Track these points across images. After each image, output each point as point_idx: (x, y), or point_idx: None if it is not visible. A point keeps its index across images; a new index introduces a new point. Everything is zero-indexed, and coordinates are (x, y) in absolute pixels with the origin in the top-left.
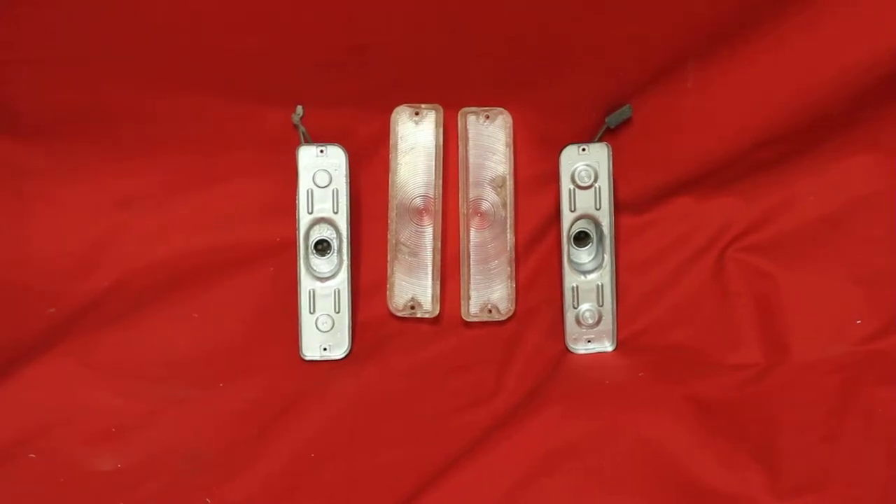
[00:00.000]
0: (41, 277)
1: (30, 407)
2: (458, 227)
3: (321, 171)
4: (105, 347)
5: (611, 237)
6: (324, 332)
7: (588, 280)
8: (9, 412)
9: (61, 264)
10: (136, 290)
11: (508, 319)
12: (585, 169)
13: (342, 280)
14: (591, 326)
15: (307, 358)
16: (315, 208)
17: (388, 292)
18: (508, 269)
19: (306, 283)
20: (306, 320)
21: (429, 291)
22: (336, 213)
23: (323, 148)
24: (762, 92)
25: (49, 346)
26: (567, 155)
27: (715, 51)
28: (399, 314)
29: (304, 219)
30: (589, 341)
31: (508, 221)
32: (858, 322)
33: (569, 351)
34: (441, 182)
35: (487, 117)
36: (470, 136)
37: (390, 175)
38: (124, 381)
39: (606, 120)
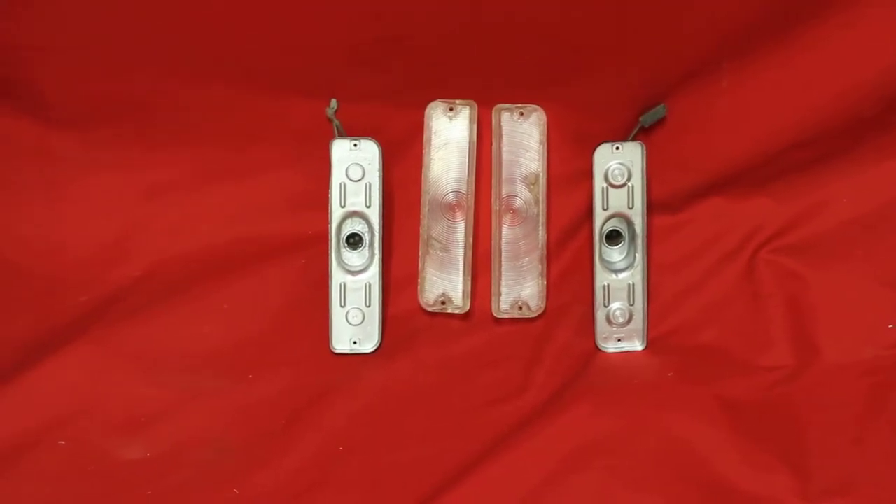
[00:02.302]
0: (72, 266)
1: (59, 394)
2: (489, 223)
3: (354, 165)
4: (135, 337)
5: (643, 236)
6: (354, 326)
7: (619, 279)
8: (39, 399)
9: (92, 253)
10: (166, 279)
11: (538, 317)
12: (619, 167)
13: (373, 274)
14: (622, 325)
15: (337, 351)
16: (348, 202)
17: (418, 287)
18: (539, 266)
19: (337, 277)
20: (337, 313)
21: (459, 287)
22: (368, 206)
23: (357, 142)
24: (797, 93)
25: (79, 335)
26: (601, 153)
27: (750, 51)
28: (429, 309)
29: (336, 212)
30: (619, 340)
31: (540, 218)
32: (890, 326)
33: (598, 349)
34: (474, 178)
35: (522, 114)
36: (504, 132)
37: (423, 170)
38: (154, 370)
39: (641, 119)
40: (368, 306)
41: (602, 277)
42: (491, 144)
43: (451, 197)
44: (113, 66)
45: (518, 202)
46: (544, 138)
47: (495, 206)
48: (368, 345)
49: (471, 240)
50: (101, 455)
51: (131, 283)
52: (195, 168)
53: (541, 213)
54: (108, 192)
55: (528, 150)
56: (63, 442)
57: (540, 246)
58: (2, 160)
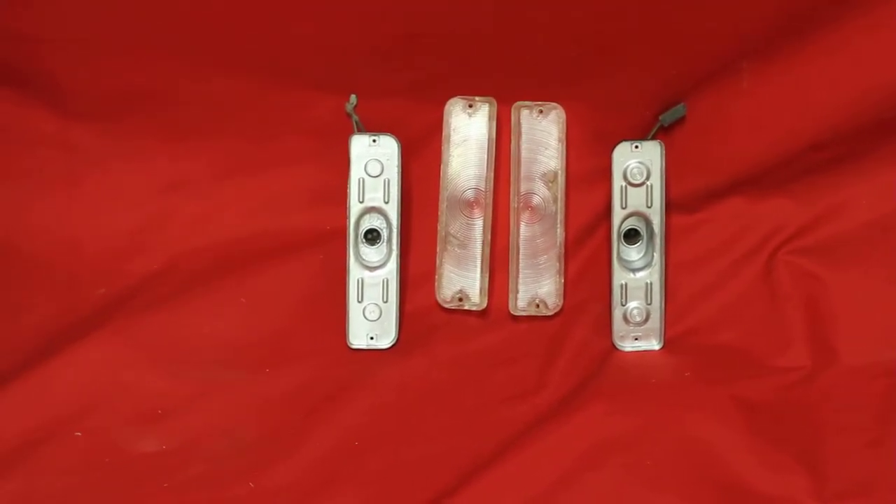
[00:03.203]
0: (91, 258)
1: (77, 386)
2: (508, 220)
3: (373, 161)
4: (153, 329)
5: (661, 235)
6: (371, 322)
7: (637, 278)
8: (56, 390)
9: (111, 245)
10: (185, 273)
11: (556, 315)
12: (638, 166)
13: (391, 270)
14: (639, 324)
15: (354, 346)
16: (366, 197)
17: (436, 283)
18: (557, 264)
19: (355, 272)
20: (354, 309)
21: (477, 284)
22: (387, 202)
23: (376, 137)
24: (817, 94)
25: (97, 327)
26: (620, 152)
27: (771, 52)
28: (447, 306)
29: (354, 208)
30: (636, 339)
31: (559, 216)
32: None
33: (615, 348)
34: (492, 175)
35: (541, 112)
36: (523, 130)
37: (442, 167)
38: (171, 363)
39: (660, 118)
40: (386, 302)
41: (620, 276)
42: (510, 142)
43: (469, 194)
44: (134, 58)
45: (536, 200)
46: (563, 136)
47: (513, 204)
48: (385, 341)
49: (489, 237)
50: (118, 447)
51: (150, 276)
52: (214, 161)
53: (559, 210)
54: (128, 185)
55: (546, 148)
56: (79, 434)
57: (558, 244)
58: (22, 152)
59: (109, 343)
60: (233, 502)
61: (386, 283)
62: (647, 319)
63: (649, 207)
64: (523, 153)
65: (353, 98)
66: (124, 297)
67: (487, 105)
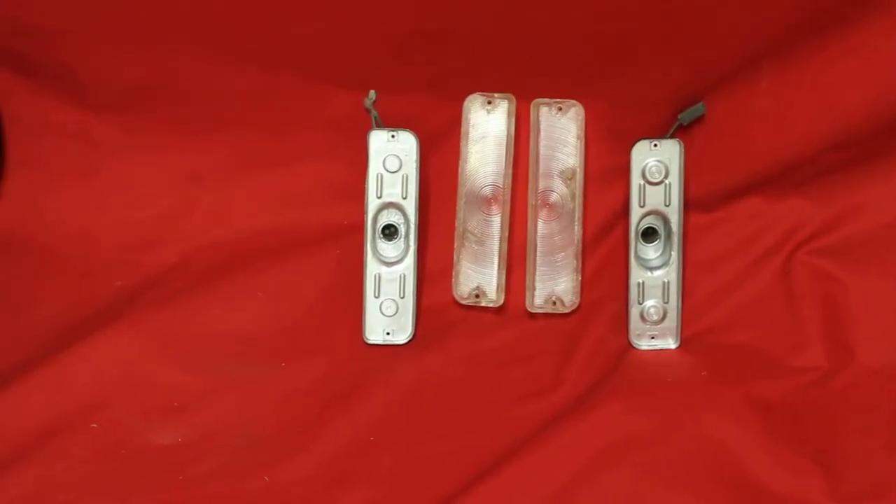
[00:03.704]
0: (107, 250)
1: (93, 378)
2: (525, 217)
3: (391, 156)
4: (169, 322)
5: (679, 234)
6: (388, 317)
7: (654, 276)
8: (72, 382)
9: (129, 237)
10: (202, 266)
11: (572, 312)
12: (656, 165)
13: (408, 265)
14: (656, 323)
15: (370, 342)
16: (384, 193)
17: (453, 280)
18: (574, 261)
19: (372, 267)
20: (371, 304)
21: (494, 281)
22: (405, 198)
23: (394, 133)
24: (837, 95)
25: (114, 319)
26: (638, 150)
27: (791, 52)
28: (463, 302)
29: (372, 203)
30: (652, 338)
31: (576, 214)
32: None
33: (632, 347)
34: (511, 172)
35: (560, 109)
36: (541, 127)
37: (460, 163)
38: (187, 356)
39: (679, 116)
40: (402, 298)
41: (637, 274)
42: (528, 139)
43: (487, 190)
44: (151, 50)
45: (554, 197)
46: (582, 133)
47: (531, 201)
48: (401, 336)
49: (506, 234)
50: (133, 439)
51: (166, 268)
52: (232, 155)
53: (577, 208)
54: (145, 177)
55: (565, 146)
56: (95, 425)
57: (575, 241)
58: (38, 143)
59: (125, 335)
60: (247, 496)
61: (403, 279)
62: (663, 318)
63: (667, 206)
64: (542, 150)
65: (372, 93)
66: (140, 290)
67: (506, 101)
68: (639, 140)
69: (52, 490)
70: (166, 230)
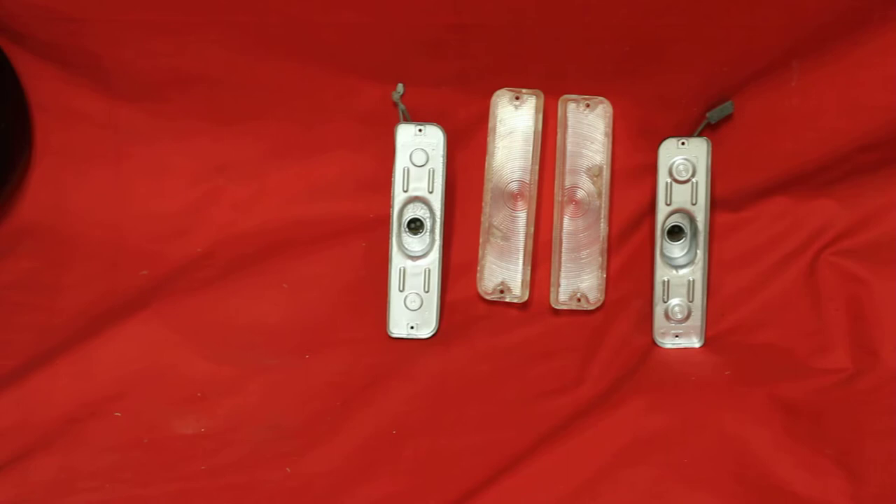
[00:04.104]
0: (136, 239)
1: (118, 366)
2: (551, 213)
3: (418, 150)
4: (195, 312)
5: (705, 233)
6: (412, 311)
7: (679, 275)
8: (98, 370)
9: (157, 227)
10: (228, 256)
11: (597, 309)
12: (684, 163)
13: (433, 260)
14: (680, 321)
15: (394, 335)
16: (410, 187)
17: (478, 275)
18: (600, 258)
19: (397, 261)
20: (395, 298)
21: (519, 276)
22: (431, 192)
23: (422, 127)
24: (866, 96)
25: (140, 308)
26: (666, 148)
27: (821, 52)
28: (488, 297)
29: (398, 196)
30: (676, 336)
31: (603, 211)
32: None
33: (656, 345)
34: (537, 168)
35: (588, 106)
36: (569, 123)
37: (487, 158)
38: (212, 346)
39: (707, 115)
40: (427, 292)
41: (662, 273)
42: (556, 135)
43: (513, 186)
44: (185, 41)
45: (581, 194)
46: (609, 131)
47: (558, 197)
48: (425, 330)
49: (532, 229)
50: (157, 429)
51: (193, 258)
52: (260, 146)
53: (603, 205)
54: (174, 167)
55: (592, 142)
56: (119, 413)
57: (601, 238)
58: (66, 131)
59: (151, 325)
60: (269, 486)
61: (428, 273)
62: (688, 317)
63: (694, 204)
64: (569, 147)
65: (399, 87)
66: (167, 280)
67: (534, 97)
68: (666, 138)
69: (74, 478)
70: (193, 220)
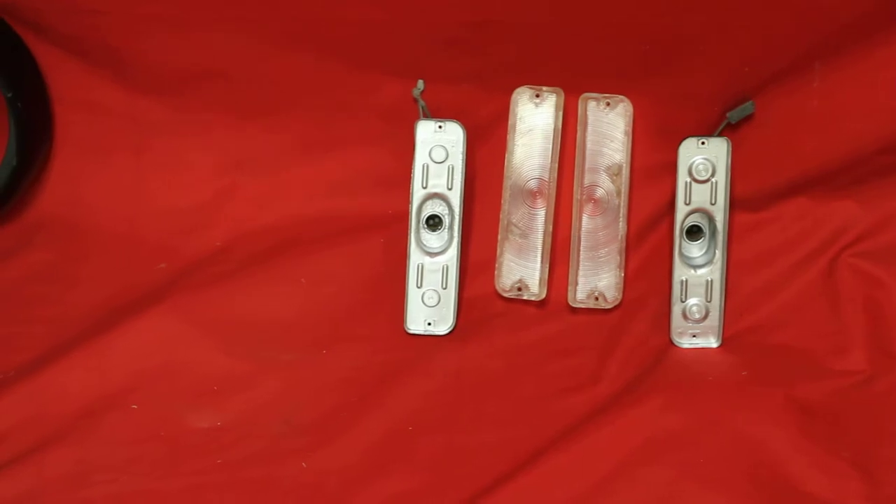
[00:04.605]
0: (155, 232)
1: (134, 359)
2: (570, 212)
3: (438, 147)
4: (212, 306)
5: (724, 233)
6: (429, 307)
7: (698, 275)
8: (114, 363)
9: (175, 221)
10: (246, 251)
11: (614, 308)
12: (703, 163)
13: (451, 256)
14: (698, 321)
15: (411, 331)
16: (429, 183)
17: (495, 272)
18: (618, 257)
19: (415, 257)
20: (413, 294)
21: (537, 274)
22: (450, 189)
23: (441, 124)
24: (888, 98)
25: (157, 301)
26: (686, 147)
27: (844, 53)
28: (505, 295)
29: (417, 193)
30: (694, 336)
31: (621, 210)
32: None
33: (673, 344)
34: (557, 166)
35: (608, 104)
36: (589, 121)
37: (506, 155)
38: (229, 340)
39: (728, 115)
40: (445, 289)
41: (680, 272)
42: (575, 133)
43: (532, 184)
44: (206, 36)
45: (600, 192)
46: (629, 129)
47: (577, 196)
48: (443, 327)
49: (550, 227)
50: (173, 421)
51: (211, 252)
52: (279, 141)
53: (622, 204)
54: (193, 161)
55: (612, 141)
56: (136, 406)
57: (619, 237)
58: (86, 124)
59: (167, 318)
60: (284, 481)
61: (446, 270)
62: (706, 317)
63: (713, 204)
64: (588, 145)
65: (420, 83)
66: (184, 274)
67: (554, 95)
68: (686, 137)
69: (90, 471)
70: (212, 214)
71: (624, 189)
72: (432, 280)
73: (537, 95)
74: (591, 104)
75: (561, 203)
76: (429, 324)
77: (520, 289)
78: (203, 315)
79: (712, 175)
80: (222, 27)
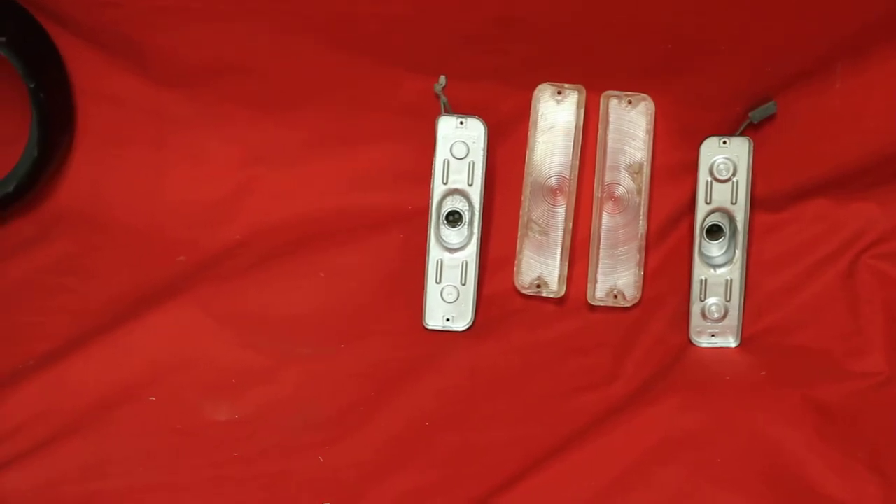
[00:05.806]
0: (174, 225)
1: (153, 352)
2: (590, 209)
3: (459, 143)
4: (231, 299)
5: (744, 233)
6: (448, 303)
7: (717, 274)
8: (132, 355)
9: (195, 213)
10: (266, 244)
11: (633, 306)
12: (725, 162)
13: (471, 252)
14: (717, 321)
15: (429, 327)
16: (450, 179)
17: (515, 269)
18: (638, 256)
19: (435, 253)
20: (432, 290)
21: (556, 271)
22: (470, 185)
23: (463, 119)
24: None
25: (176, 294)
26: (707, 146)
27: (866, 54)
28: (524, 291)
29: (437, 188)
30: (713, 335)
31: (642, 208)
32: None
33: (691, 343)
34: (577, 163)
35: (630, 102)
36: (611, 119)
37: (527, 152)
38: (247, 334)
39: (750, 114)
40: (464, 284)
41: (700, 271)
42: (597, 131)
43: (553, 181)
44: (229, 29)
45: (620, 190)
46: (651, 128)
47: (597, 193)
48: (461, 323)
49: (570, 225)
50: (190, 413)
51: (230, 246)
52: (300, 135)
53: (642, 202)
54: (213, 154)
55: (633, 139)
56: (154, 398)
57: (639, 236)
58: (108, 116)
59: (186, 311)
60: (301, 475)
61: (465, 266)
62: (724, 316)
63: (734, 204)
64: (610, 143)
65: (442, 79)
66: (203, 267)
67: (576, 93)
68: (708, 137)
69: (106, 462)
70: (232, 207)
71: (644, 187)
72: (451, 276)
73: (559, 92)
74: (613, 102)
75: (581, 200)
76: (447, 320)
77: (539, 286)
78: (222, 308)
79: (733, 174)
80: (244, 21)
